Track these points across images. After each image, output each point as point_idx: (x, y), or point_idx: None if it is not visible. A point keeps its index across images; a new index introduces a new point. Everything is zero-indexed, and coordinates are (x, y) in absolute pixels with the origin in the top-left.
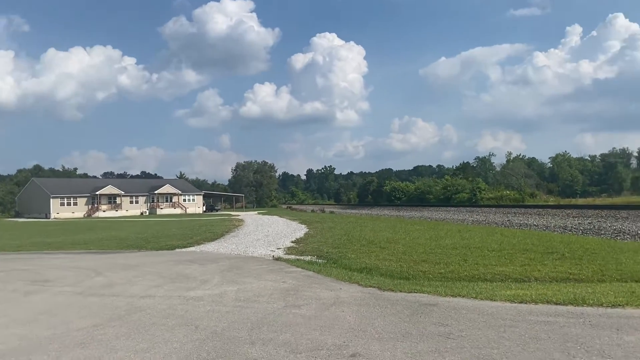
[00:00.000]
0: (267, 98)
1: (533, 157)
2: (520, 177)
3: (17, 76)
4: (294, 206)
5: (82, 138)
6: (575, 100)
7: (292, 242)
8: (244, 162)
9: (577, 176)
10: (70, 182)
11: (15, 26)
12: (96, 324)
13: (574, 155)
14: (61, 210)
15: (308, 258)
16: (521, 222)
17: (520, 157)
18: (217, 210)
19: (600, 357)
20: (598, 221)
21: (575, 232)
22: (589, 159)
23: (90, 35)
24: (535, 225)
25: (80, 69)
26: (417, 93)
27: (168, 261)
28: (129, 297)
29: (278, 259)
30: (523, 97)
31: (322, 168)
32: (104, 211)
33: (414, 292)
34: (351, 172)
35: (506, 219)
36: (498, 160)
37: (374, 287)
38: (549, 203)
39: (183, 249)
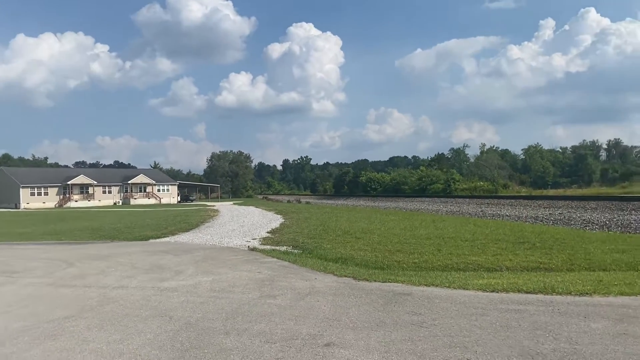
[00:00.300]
0: (243, 87)
1: (506, 149)
2: (494, 169)
3: None
4: (270, 197)
5: (53, 127)
6: (547, 92)
7: (267, 232)
8: (220, 152)
9: (549, 167)
10: (41, 171)
11: None
12: (67, 315)
13: (546, 147)
14: (31, 200)
15: (283, 248)
16: (494, 213)
17: (494, 148)
18: (192, 201)
19: (568, 344)
20: (568, 212)
21: (546, 223)
22: (560, 150)
23: (61, 21)
24: (507, 215)
25: (50, 56)
26: (393, 84)
27: (142, 252)
28: (101, 288)
29: (253, 249)
30: (497, 89)
31: (299, 158)
32: (76, 201)
33: (389, 281)
34: (327, 162)
35: (479, 210)
36: (472, 152)
37: (349, 277)
38: (521, 194)
39: (157, 240)
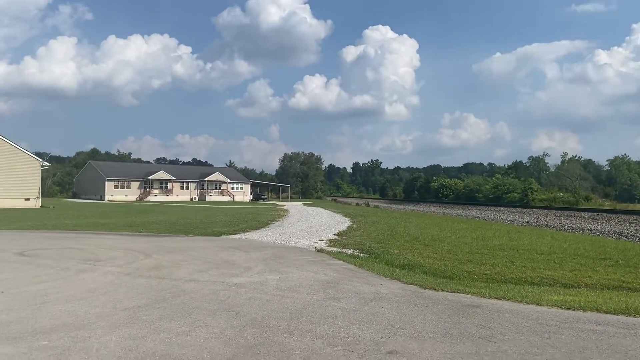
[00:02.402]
0: (316, 90)
1: (589, 159)
2: (575, 179)
3: (78, 62)
4: (338, 199)
5: (137, 124)
6: (638, 100)
7: (335, 234)
8: (292, 152)
9: (637, 180)
10: (125, 166)
11: (79, 14)
12: (141, 304)
13: (634, 158)
14: (115, 193)
15: (350, 251)
16: (574, 226)
17: (576, 158)
18: (263, 200)
19: None
20: None
21: (631, 239)
22: None
23: (149, 23)
24: (588, 229)
25: (137, 57)
26: (469, 88)
27: (214, 247)
28: (174, 280)
29: (320, 250)
30: (581, 96)
31: (369, 162)
32: (155, 195)
33: (457, 292)
34: (398, 166)
35: (558, 222)
36: (552, 161)
37: (416, 284)
38: (605, 207)
39: (229, 236)
